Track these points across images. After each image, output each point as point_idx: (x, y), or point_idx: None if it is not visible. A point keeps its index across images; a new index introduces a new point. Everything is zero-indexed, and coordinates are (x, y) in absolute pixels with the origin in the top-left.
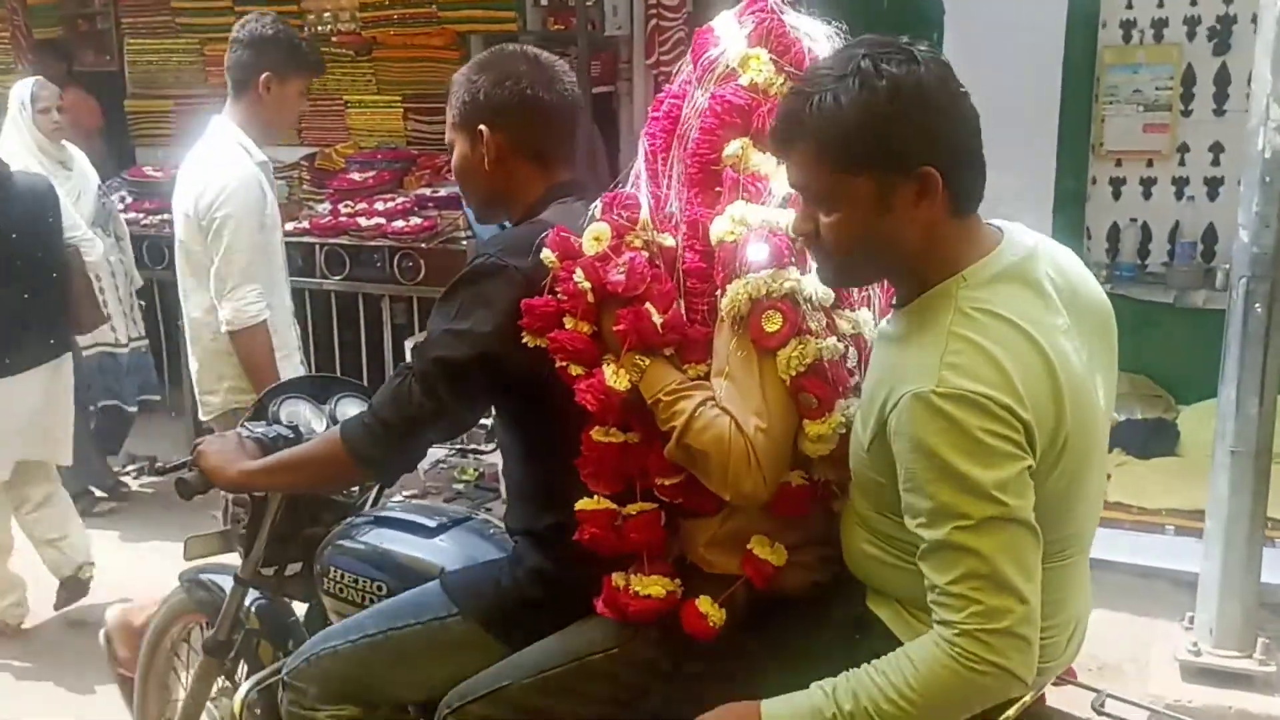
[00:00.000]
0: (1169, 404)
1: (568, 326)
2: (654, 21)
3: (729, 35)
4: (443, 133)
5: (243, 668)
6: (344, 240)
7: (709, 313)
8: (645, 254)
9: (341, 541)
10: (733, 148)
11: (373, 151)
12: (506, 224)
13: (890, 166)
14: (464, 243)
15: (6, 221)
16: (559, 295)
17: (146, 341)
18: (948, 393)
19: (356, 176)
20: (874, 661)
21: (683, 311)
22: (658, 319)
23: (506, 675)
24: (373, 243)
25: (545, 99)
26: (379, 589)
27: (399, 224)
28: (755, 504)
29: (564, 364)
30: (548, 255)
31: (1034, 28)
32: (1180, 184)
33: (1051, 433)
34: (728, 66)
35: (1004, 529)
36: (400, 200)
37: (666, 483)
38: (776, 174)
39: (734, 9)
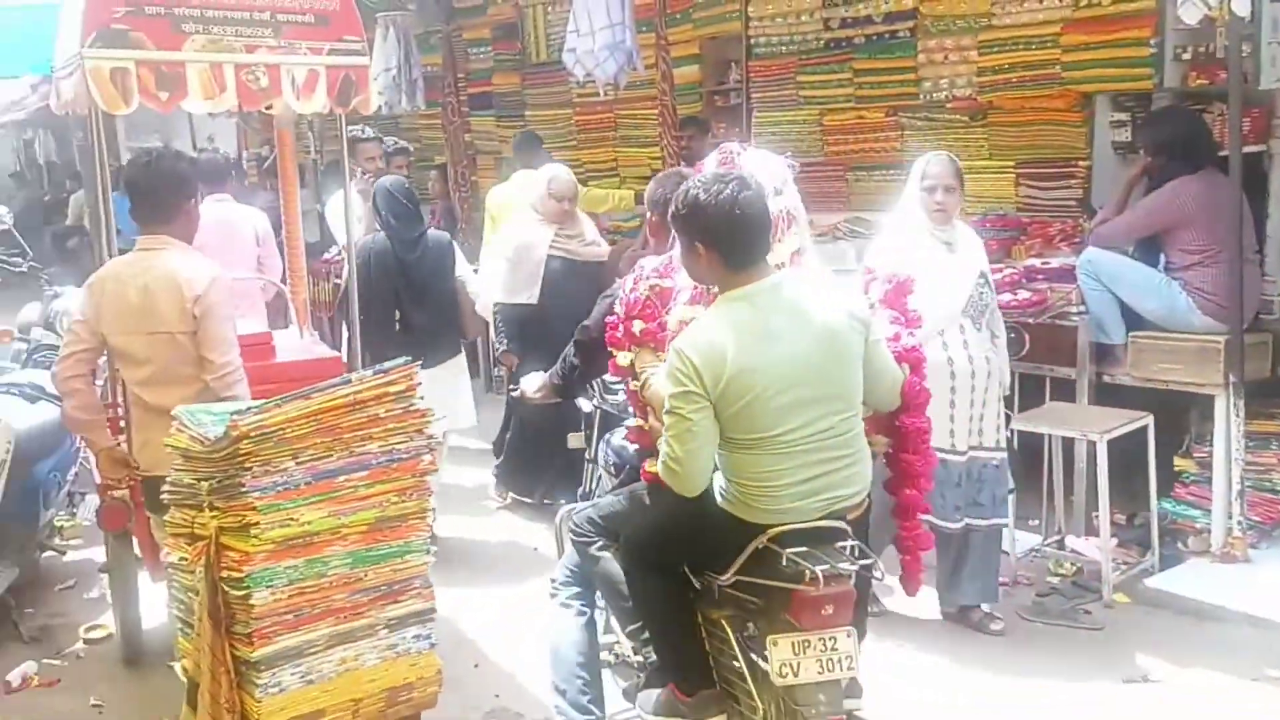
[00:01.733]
0: None
1: (619, 330)
2: None
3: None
4: (1058, 200)
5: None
6: None
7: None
8: (650, 295)
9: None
10: None
11: (980, 219)
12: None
13: (689, 237)
14: (1074, 318)
15: (424, 264)
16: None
17: (1003, 453)
18: (674, 345)
19: None
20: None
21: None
22: (638, 329)
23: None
24: None
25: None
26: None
27: (1006, 297)
28: None
29: (608, 349)
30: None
31: None
32: None
33: (715, 380)
34: None
35: (671, 418)
36: (1008, 272)
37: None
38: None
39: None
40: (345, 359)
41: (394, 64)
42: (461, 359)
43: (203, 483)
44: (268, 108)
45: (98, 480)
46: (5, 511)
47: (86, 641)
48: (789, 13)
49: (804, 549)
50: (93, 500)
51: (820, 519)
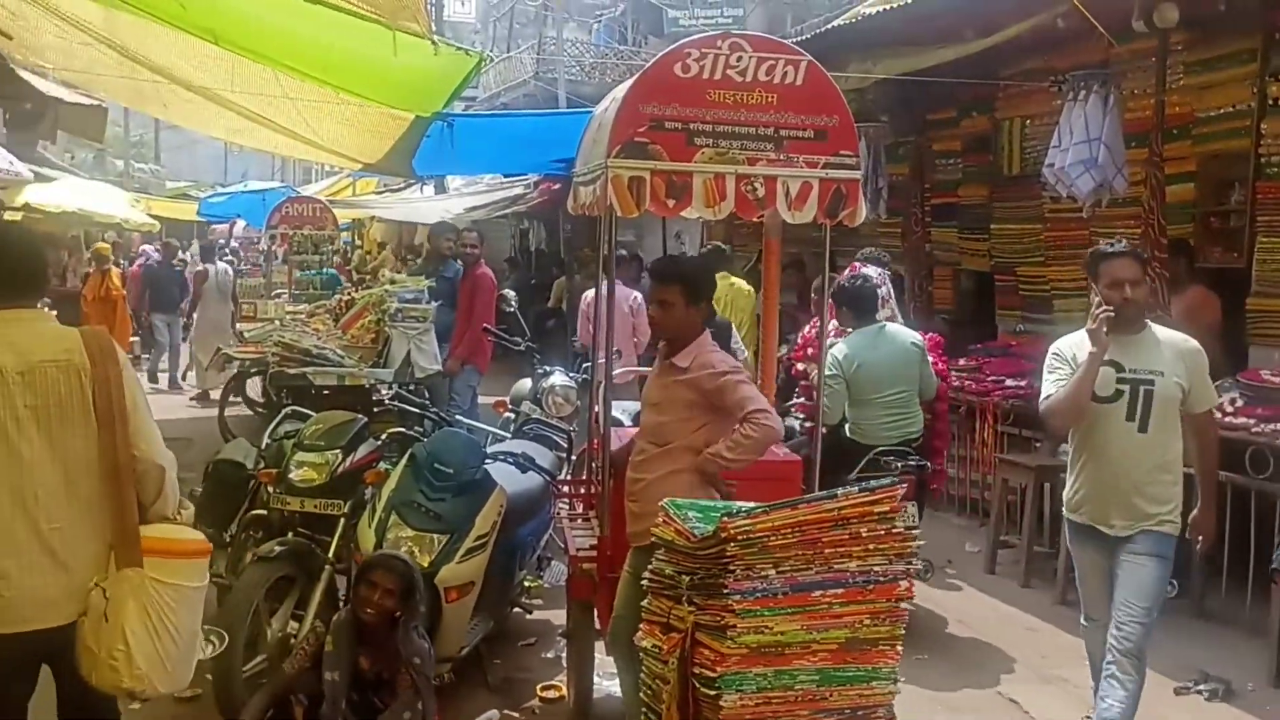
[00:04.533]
0: None
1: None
2: None
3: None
4: None
5: None
6: None
7: None
8: (813, 335)
9: None
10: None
11: None
12: None
13: (839, 305)
14: None
15: None
16: None
17: None
18: (830, 352)
19: None
20: None
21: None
22: (809, 351)
23: None
24: None
25: None
26: None
27: None
28: None
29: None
30: None
31: None
32: None
33: (848, 369)
34: None
35: (826, 387)
36: None
37: None
38: None
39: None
40: None
41: (863, 173)
42: None
43: (684, 576)
44: (759, 216)
45: (569, 550)
46: (491, 568)
47: (542, 699)
48: None
49: (891, 457)
50: (559, 566)
51: (898, 444)
